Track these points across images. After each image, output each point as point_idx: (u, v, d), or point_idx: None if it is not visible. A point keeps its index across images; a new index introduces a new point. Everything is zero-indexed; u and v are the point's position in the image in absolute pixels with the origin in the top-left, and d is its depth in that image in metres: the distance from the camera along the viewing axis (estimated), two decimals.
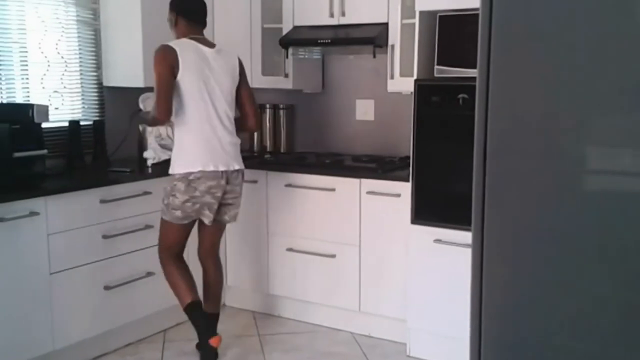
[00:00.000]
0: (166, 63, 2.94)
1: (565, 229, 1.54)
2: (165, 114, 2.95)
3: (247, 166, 3.84)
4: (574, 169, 1.55)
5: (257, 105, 3.27)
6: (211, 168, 3.00)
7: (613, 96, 1.49)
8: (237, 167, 3.12)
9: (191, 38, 3.05)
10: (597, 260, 1.52)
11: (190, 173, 2.98)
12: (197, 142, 3.01)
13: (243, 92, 3.18)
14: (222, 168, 3.03)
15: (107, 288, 3.23)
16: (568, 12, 1.50)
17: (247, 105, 3.19)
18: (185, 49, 3.00)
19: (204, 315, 3.16)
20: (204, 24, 3.14)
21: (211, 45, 3.10)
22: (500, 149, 1.59)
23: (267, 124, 4.25)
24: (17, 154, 2.92)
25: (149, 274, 3.40)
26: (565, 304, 1.57)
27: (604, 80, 1.48)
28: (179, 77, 2.96)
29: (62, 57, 3.65)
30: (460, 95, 3.02)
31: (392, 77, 3.53)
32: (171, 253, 3.16)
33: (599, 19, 1.48)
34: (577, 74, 1.51)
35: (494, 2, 1.57)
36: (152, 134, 3.67)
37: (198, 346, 3.22)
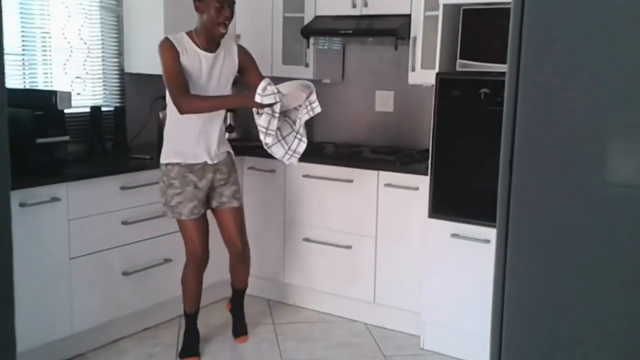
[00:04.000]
0: None
1: (592, 229, 1.53)
2: None
3: (263, 155, 3.85)
4: (603, 170, 1.53)
5: None
6: None
7: None
8: None
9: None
10: (623, 260, 1.51)
11: None
12: None
13: None
14: None
15: (125, 274, 3.27)
16: (606, 4, 1.47)
17: None
18: None
19: None
20: None
21: None
22: (528, 147, 1.57)
23: None
24: (39, 140, 2.96)
25: (167, 260, 3.43)
26: (589, 303, 1.56)
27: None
28: None
29: (85, 43, 3.67)
30: (482, 90, 2.99)
31: (413, 70, 3.51)
32: None
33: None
34: (610, 73, 1.49)
35: None
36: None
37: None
